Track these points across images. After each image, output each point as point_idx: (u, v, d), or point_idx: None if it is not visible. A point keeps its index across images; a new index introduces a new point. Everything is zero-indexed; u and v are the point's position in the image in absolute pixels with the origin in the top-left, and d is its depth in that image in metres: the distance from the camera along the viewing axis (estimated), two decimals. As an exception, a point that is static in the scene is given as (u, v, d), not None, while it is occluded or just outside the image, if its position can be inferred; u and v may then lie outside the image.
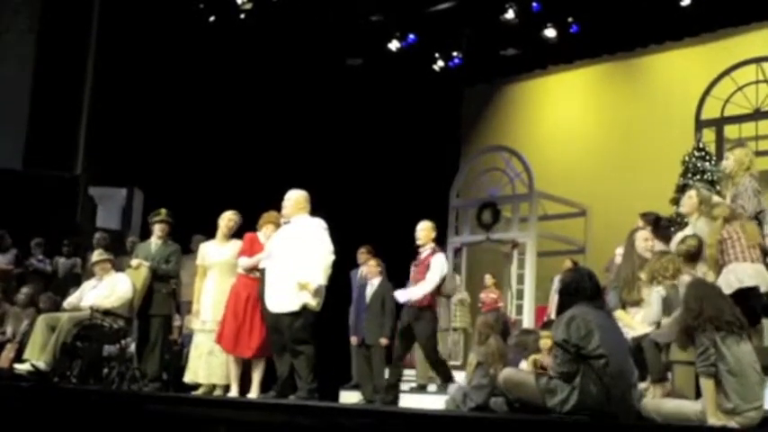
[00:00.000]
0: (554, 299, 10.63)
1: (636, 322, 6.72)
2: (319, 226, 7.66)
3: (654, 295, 6.50)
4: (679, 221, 11.50)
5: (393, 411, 5.75)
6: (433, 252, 8.41)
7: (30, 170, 13.93)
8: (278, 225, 8.04)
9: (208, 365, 8.24)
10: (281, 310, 7.37)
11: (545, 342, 6.57)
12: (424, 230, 8.53)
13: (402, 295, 8.44)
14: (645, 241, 7.08)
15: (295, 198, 7.78)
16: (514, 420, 5.05)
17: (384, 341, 10.43)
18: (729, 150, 7.74)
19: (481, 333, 7.06)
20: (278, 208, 8.16)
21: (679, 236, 7.22)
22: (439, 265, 8.25)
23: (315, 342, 7.41)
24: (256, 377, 7.95)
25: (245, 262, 8.08)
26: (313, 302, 7.37)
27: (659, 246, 7.20)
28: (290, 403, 6.58)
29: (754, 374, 5.21)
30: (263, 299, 7.65)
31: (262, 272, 7.79)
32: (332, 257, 7.57)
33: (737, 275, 6.52)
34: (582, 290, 5.48)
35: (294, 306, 7.32)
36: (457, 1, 15.08)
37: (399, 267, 8.21)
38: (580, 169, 16.34)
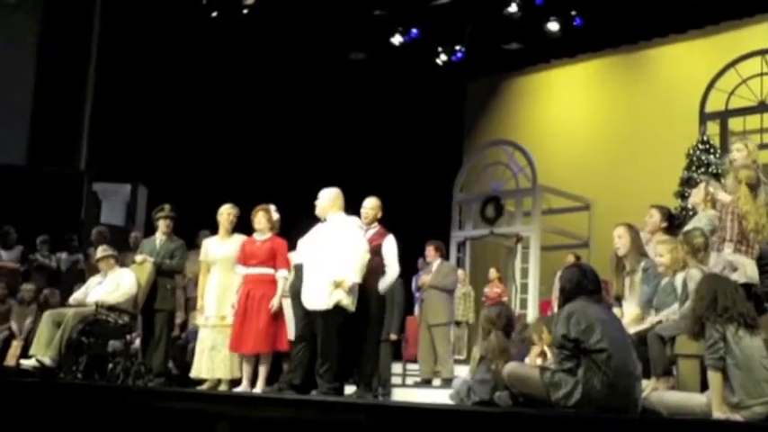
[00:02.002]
0: (557, 293, 10.62)
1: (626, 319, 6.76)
2: (356, 224, 7.65)
3: (679, 280, 6.49)
4: (684, 214, 11.51)
5: (398, 406, 5.75)
6: (383, 234, 7.90)
7: (34, 166, 13.94)
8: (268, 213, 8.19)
9: (211, 360, 8.26)
10: (316, 307, 7.36)
11: (546, 337, 6.59)
12: (373, 209, 7.96)
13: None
14: (618, 238, 7.12)
15: (331, 196, 7.73)
16: (519, 414, 5.05)
17: (392, 336, 10.47)
18: (741, 140, 7.71)
19: (484, 328, 7.06)
20: (283, 202, 8.17)
21: (688, 227, 7.22)
22: (394, 250, 7.85)
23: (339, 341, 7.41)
24: (262, 372, 7.97)
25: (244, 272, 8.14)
26: (346, 301, 7.33)
27: (663, 237, 7.20)
28: (296, 398, 6.59)
29: (762, 370, 5.18)
30: (295, 294, 7.67)
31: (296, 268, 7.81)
32: (368, 256, 7.52)
33: (746, 271, 6.48)
34: (582, 285, 5.47)
35: (329, 304, 7.29)
36: (460, -5, 15.09)
37: (404, 261, 8.13)
38: (584, 163, 16.33)
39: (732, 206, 6.68)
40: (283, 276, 8.03)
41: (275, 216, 8.39)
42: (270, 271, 8.06)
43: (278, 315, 8.00)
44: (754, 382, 5.11)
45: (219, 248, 8.52)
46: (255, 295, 7.98)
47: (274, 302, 7.93)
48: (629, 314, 6.82)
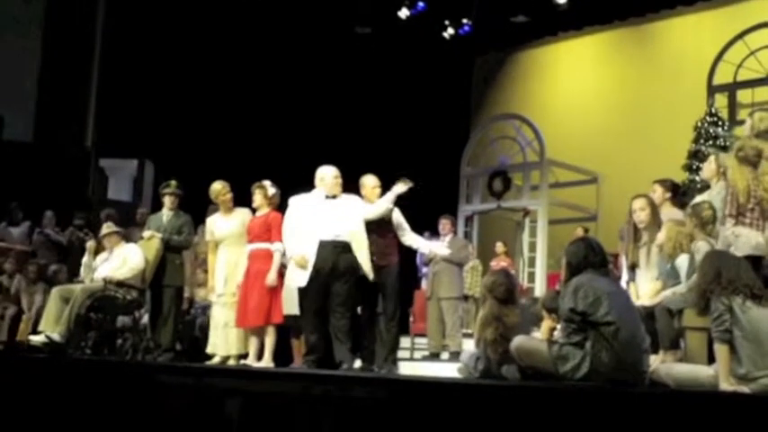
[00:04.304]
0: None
1: (643, 293, 6.74)
2: (363, 204, 7.71)
3: (682, 263, 6.46)
4: (692, 187, 11.48)
5: (407, 380, 5.76)
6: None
7: (40, 143, 13.95)
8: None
9: (225, 337, 8.30)
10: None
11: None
12: (378, 188, 8.06)
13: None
14: (640, 210, 7.07)
15: (338, 175, 7.68)
16: (526, 387, 5.06)
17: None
18: (750, 116, 7.67)
19: (483, 295, 7.04)
20: (289, 177, 8.15)
21: (697, 199, 7.18)
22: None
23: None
24: (268, 345, 8.00)
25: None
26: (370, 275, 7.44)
27: (676, 213, 7.17)
28: (307, 372, 6.61)
29: (771, 342, 5.17)
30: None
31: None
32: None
33: (750, 242, 6.41)
34: (588, 259, 5.45)
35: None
36: (466, -32, 14.99)
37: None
38: (591, 136, 16.27)
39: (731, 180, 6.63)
40: (279, 249, 7.94)
41: (271, 191, 8.36)
42: (265, 245, 8.05)
43: (274, 288, 7.96)
44: (761, 354, 5.09)
45: (224, 225, 8.53)
46: (251, 271, 8.03)
47: (270, 276, 7.92)
48: (649, 289, 6.76)
